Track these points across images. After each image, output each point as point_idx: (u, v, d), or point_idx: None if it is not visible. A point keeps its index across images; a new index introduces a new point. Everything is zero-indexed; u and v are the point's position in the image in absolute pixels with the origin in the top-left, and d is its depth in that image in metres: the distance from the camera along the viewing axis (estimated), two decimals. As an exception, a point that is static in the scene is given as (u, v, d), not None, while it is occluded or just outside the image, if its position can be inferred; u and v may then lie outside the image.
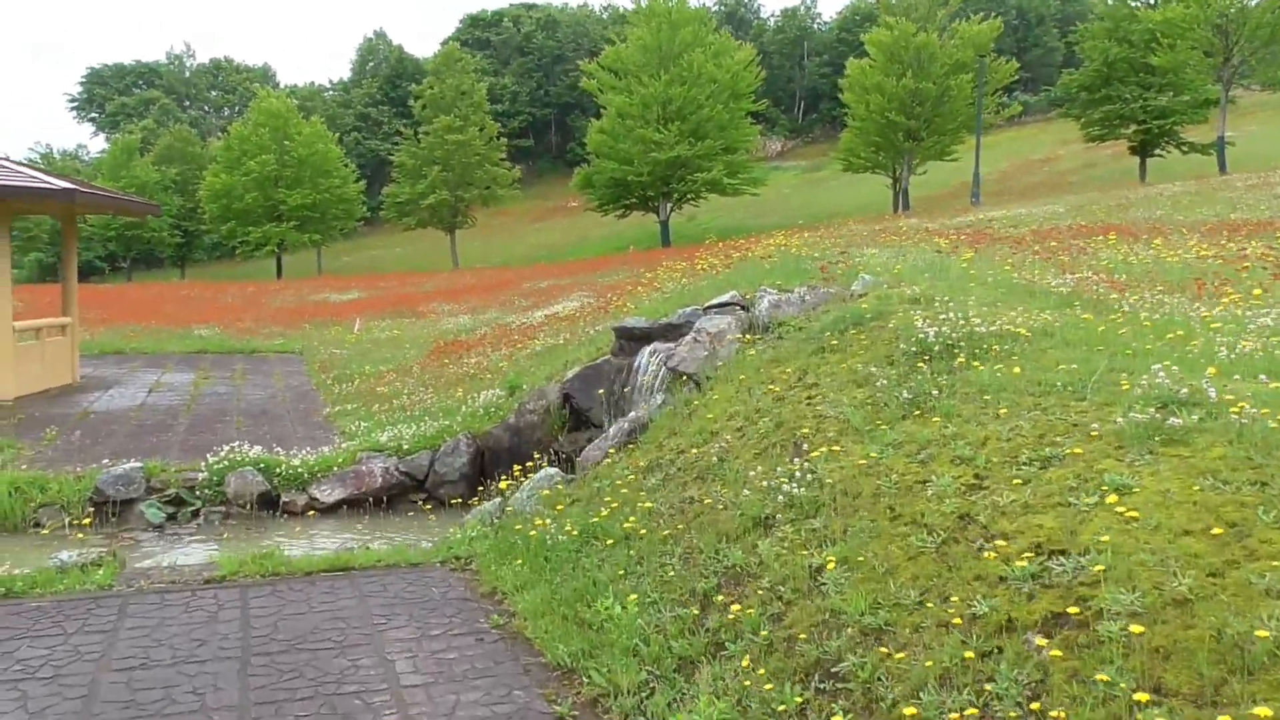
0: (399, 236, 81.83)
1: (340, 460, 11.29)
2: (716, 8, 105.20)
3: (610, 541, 7.01)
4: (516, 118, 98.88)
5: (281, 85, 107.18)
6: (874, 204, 58.94)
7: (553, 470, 9.12)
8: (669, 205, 56.82)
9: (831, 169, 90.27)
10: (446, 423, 12.02)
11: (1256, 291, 8.17)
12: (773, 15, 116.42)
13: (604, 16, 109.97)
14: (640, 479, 7.91)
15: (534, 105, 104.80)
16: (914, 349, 7.49)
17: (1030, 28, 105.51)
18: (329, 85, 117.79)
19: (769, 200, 71.86)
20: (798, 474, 6.45)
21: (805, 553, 5.71)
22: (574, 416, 11.54)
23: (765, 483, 6.57)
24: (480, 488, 11.14)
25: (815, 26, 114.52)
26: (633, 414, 9.16)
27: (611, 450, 8.85)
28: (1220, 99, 40.18)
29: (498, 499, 9.15)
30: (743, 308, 11.79)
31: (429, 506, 11.31)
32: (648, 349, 11.27)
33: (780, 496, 6.28)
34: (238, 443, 11.43)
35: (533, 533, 7.41)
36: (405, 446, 11.46)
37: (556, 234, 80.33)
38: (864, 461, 6.24)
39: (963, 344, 7.32)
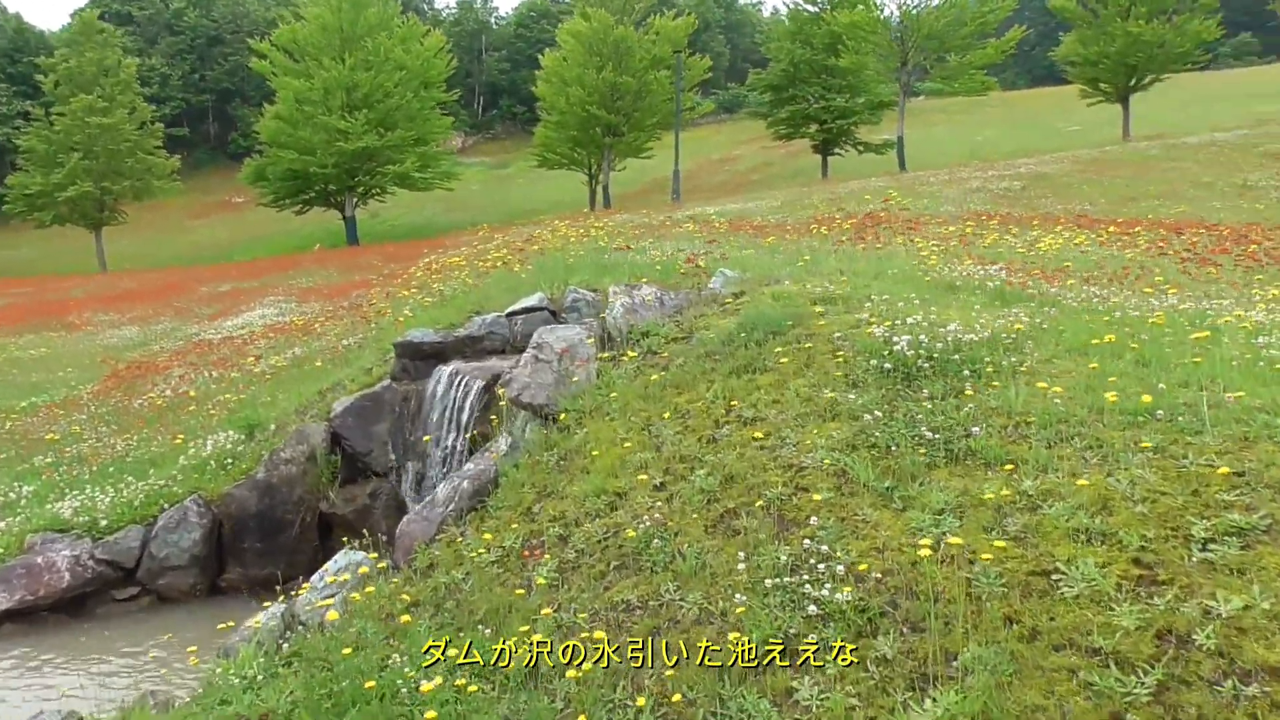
0: (28, 235, 70.48)
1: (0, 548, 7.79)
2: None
3: (511, 688, 4.51)
4: (168, 104, 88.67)
5: None
6: (568, 201, 57.83)
7: (357, 555, 6.36)
8: (354, 200, 52.51)
9: (518, 166, 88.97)
10: (158, 482, 8.74)
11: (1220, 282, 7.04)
12: (447, 7, 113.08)
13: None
14: (518, 569, 5.42)
15: (188, 90, 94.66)
16: (885, 365, 5.59)
17: (698, 33, 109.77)
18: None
19: (457, 197, 68.95)
20: (811, 563, 4.31)
21: (885, 703, 3.60)
22: (348, 464, 8.71)
23: (758, 579, 4.38)
24: (225, 574, 8.06)
25: (492, 22, 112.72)
26: (471, 466, 6.58)
27: (450, 522, 6.25)
28: (899, 101, 42.57)
29: (278, 605, 6.23)
30: (552, 312, 9.50)
31: (147, 601, 8.06)
32: (446, 370, 8.69)
33: (809, 605, 4.11)
34: None
35: (369, 682, 4.69)
36: (102, 521, 8.11)
37: (222, 232, 72.76)
38: (911, 540, 4.22)
39: (955, 357, 5.50)
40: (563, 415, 6.70)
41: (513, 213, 57.78)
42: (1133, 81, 41.85)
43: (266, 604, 6.53)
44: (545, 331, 7.33)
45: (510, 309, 9.58)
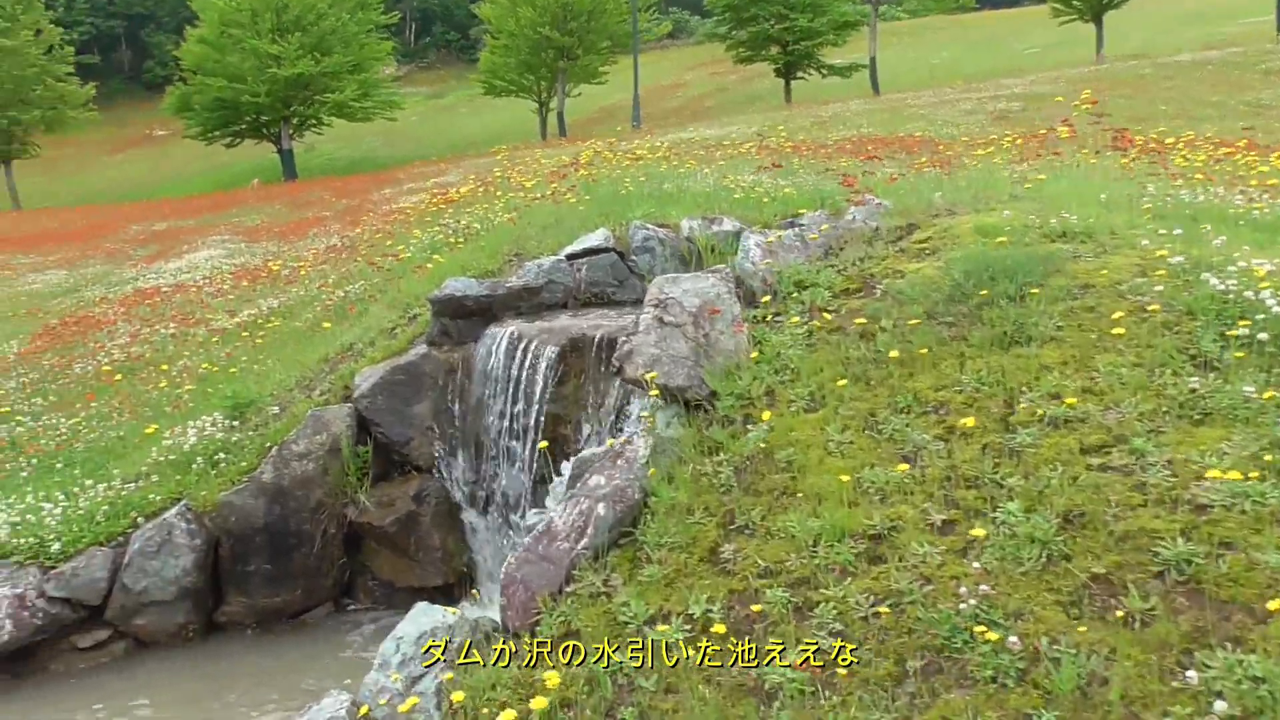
0: (-74, 171, 65.43)
1: (-87, 588, 5.69)
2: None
3: None
4: (76, 28, 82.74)
5: None
6: (515, 131, 54.87)
7: (438, 613, 4.39)
8: (289, 132, 49.11)
9: (456, 95, 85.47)
10: (125, 484, 6.66)
11: None
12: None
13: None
14: (725, 655, 3.54)
15: (96, 15, 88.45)
16: (1260, 334, 3.79)
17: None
18: None
19: (396, 129, 65.36)
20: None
21: None
22: (380, 457, 6.71)
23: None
24: (224, 606, 6.10)
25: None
26: (600, 480, 4.63)
27: (585, 565, 4.31)
28: (870, 21, 40.52)
29: (336, 694, 4.24)
30: (619, 254, 7.58)
31: (121, 649, 6.05)
32: (502, 333, 6.70)
33: None
34: None
35: None
36: (54, 543, 6.04)
37: (143, 167, 68.42)
38: None
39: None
40: (721, 403, 4.79)
41: (457, 143, 54.85)
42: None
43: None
44: (666, 283, 5.37)
45: (567, 250, 7.60)
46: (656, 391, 4.96)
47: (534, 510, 6.07)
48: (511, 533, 6.55)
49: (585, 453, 5.98)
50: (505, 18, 46.40)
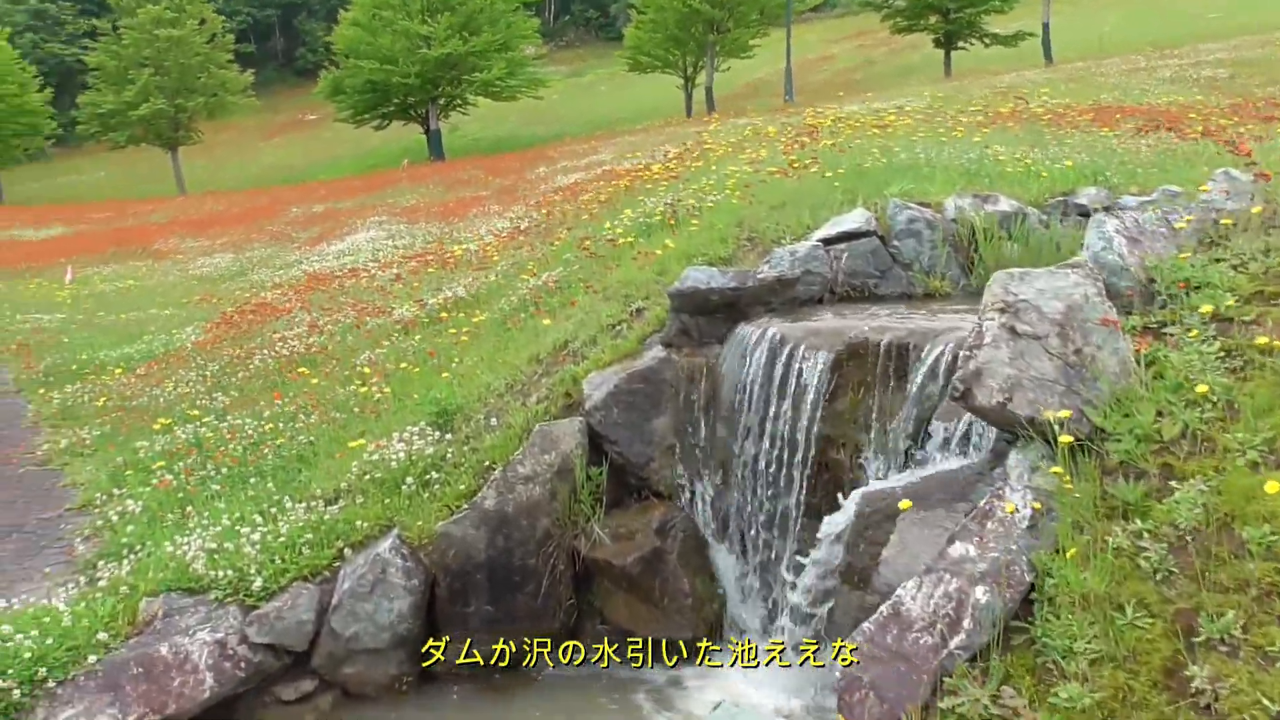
0: (102, 158, 68.54)
1: (104, 621, 5.00)
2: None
3: None
4: (234, 18, 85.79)
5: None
6: (661, 108, 53.82)
7: None
8: (437, 112, 49.33)
9: (596, 74, 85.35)
10: (327, 506, 5.86)
11: None
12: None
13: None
14: None
15: (252, 4, 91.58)
16: None
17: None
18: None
19: (537, 108, 65.23)
20: None
21: None
22: (615, 480, 5.72)
23: None
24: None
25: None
26: (969, 552, 3.46)
27: (963, 675, 3.19)
28: (1043, -16, 37.88)
29: None
30: (880, 237, 6.41)
31: (328, 702, 5.25)
32: (761, 335, 5.61)
33: None
34: None
35: None
36: (255, 579, 5.26)
37: (296, 152, 70.28)
38: None
39: None
40: (1115, 446, 3.57)
41: (600, 121, 54.18)
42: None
43: None
44: (1012, 281, 4.15)
45: (818, 234, 6.45)
46: (1014, 427, 3.77)
47: (812, 557, 4.98)
48: (771, 579, 5.48)
49: (874, 486, 4.87)
50: (653, -9, 45.37)
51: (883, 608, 3.50)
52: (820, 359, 5.31)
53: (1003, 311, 4.09)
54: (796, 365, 5.38)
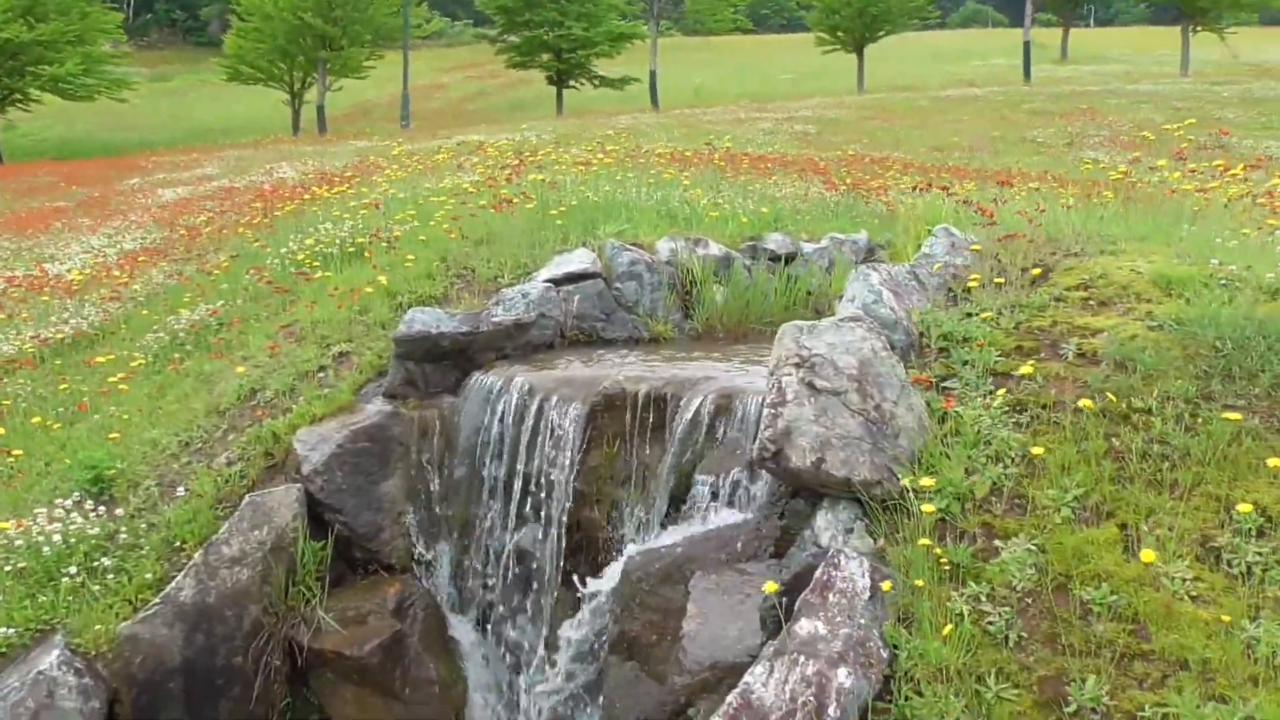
0: None
1: None
2: None
3: None
4: None
5: None
6: (262, 123, 50.54)
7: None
8: (-3, 107, 42.78)
9: (184, 80, 78.95)
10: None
11: None
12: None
13: None
14: None
15: None
16: None
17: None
18: None
19: (116, 111, 58.64)
20: None
21: None
22: (341, 554, 4.93)
23: None
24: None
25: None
26: (814, 629, 3.20)
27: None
28: (650, 34, 40.24)
29: None
30: (603, 279, 6.25)
31: None
32: (498, 384, 5.13)
33: None
34: None
35: None
36: None
37: None
38: None
39: None
40: (925, 504, 3.54)
41: (194, 132, 49.86)
42: (867, 34, 42.72)
43: None
44: (802, 334, 4.05)
45: (544, 275, 6.10)
46: (823, 489, 3.65)
47: (570, 629, 4.58)
48: (518, 655, 4.99)
49: (646, 545, 4.60)
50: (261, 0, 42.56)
51: (730, 698, 3.19)
52: (574, 410, 4.93)
53: (799, 366, 3.97)
54: (548, 417, 4.96)
